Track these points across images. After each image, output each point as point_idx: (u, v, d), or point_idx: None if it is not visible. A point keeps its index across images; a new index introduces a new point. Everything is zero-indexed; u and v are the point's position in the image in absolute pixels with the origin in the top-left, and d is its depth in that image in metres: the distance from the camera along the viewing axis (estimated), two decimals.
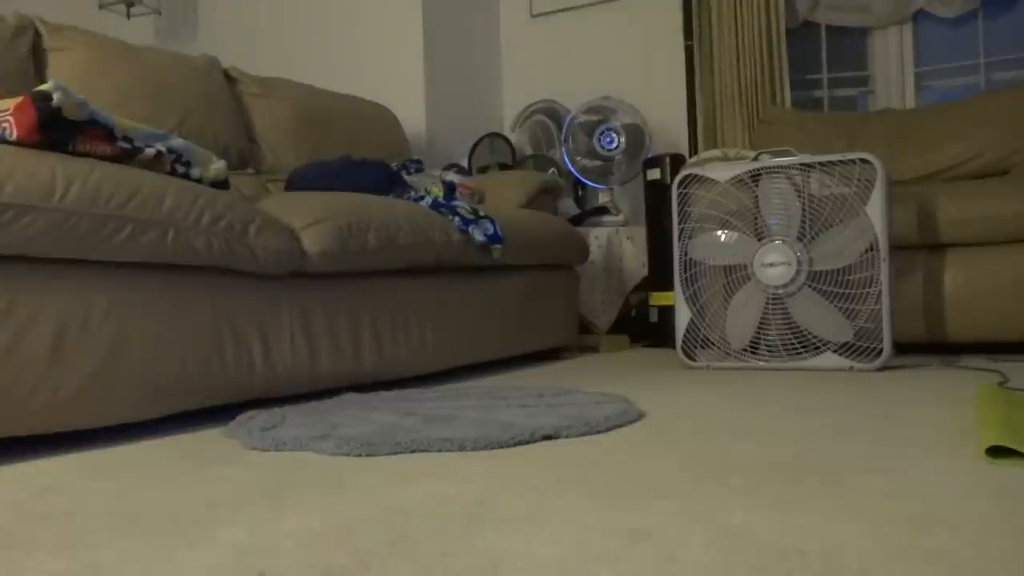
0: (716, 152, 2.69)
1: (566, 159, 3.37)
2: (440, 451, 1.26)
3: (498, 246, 2.28)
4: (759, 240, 2.28)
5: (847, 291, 2.18)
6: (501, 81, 4.10)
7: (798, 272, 2.21)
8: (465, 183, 2.72)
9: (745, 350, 2.30)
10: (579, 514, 0.90)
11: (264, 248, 1.65)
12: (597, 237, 3.18)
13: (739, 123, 3.42)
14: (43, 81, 2.07)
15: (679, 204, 2.39)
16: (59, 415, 1.33)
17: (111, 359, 1.39)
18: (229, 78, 2.69)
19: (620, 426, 1.42)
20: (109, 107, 2.08)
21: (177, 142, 1.62)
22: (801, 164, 2.25)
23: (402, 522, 0.89)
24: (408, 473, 1.12)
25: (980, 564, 0.71)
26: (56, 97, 1.35)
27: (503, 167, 3.47)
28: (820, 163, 2.23)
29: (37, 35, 2.15)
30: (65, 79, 2.09)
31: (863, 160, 2.18)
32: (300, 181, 2.34)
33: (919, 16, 3.45)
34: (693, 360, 2.36)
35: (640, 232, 3.21)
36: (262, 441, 1.33)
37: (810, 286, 2.21)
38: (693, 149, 3.52)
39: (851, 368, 2.16)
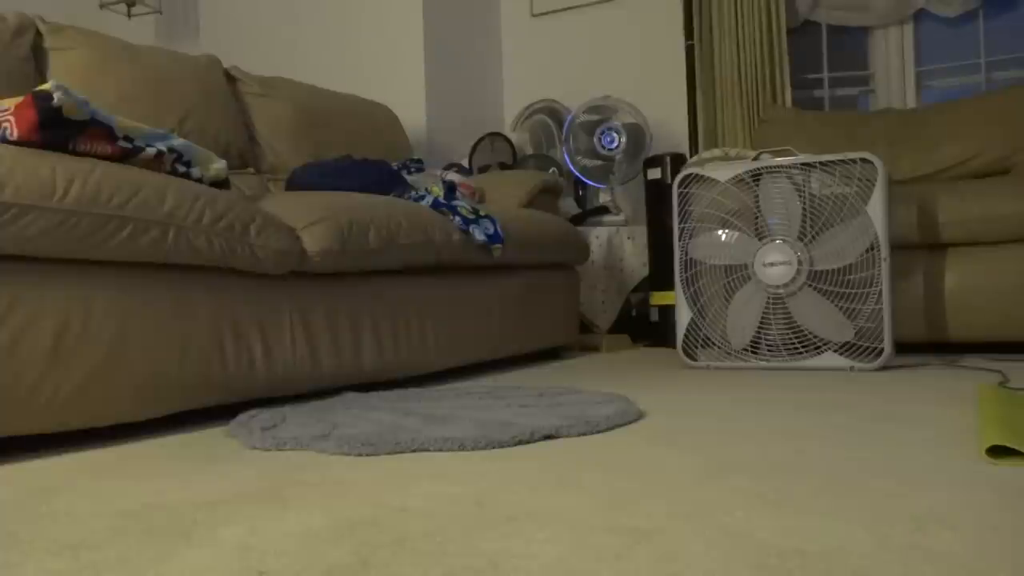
0: (717, 151, 2.69)
1: (567, 159, 3.37)
2: (440, 451, 1.26)
3: (498, 246, 2.28)
4: (760, 240, 2.28)
5: (848, 291, 2.18)
6: (501, 81, 4.10)
7: (799, 272, 2.21)
8: (465, 183, 2.72)
9: (746, 350, 2.30)
10: (579, 514, 0.90)
11: (265, 248, 1.65)
12: (598, 236, 3.18)
13: (740, 122, 3.42)
14: (43, 81, 2.07)
15: (680, 204, 2.39)
16: (59, 415, 1.33)
17: (111, 359, 1.39)
18: (229, 78, 2.69)
19: (620, 426, 1.42)
20: (109, 107, 2.08)
21: (178, 142, 1.62)
22: (802, 164, 2.25)
23: (402, 522, 0.89)
24: (408, 473, 1.12)
25: (980, 564, 0.71)
26: (57, 97, 1.35)
27: (504, 167, 3.47)
28: (821, 162, 2.23)
29: (37, 35, 2.15)
30: (65, 79, 2.10)
31: (864, 159, 2.18)
32: (300, 181, 2.34)
33: (919, 15, 3.45)
34: (694, 360, 2.36)
35: (641, 231, 3.21)
36: (263, 440, 1.33)
37: (811, 286, 2.21)
38: (694, 148, 3.52)
39: (851, 368, 2.16)
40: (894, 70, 3.49)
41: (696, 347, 2.37)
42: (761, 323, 2.27)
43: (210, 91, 2.50)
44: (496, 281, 2.42)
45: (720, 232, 2.33)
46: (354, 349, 1.90)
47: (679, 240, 2.39)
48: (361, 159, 2.45)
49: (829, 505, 0.90)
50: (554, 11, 3.97)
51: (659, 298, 3.03)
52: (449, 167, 3.31)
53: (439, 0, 3.63)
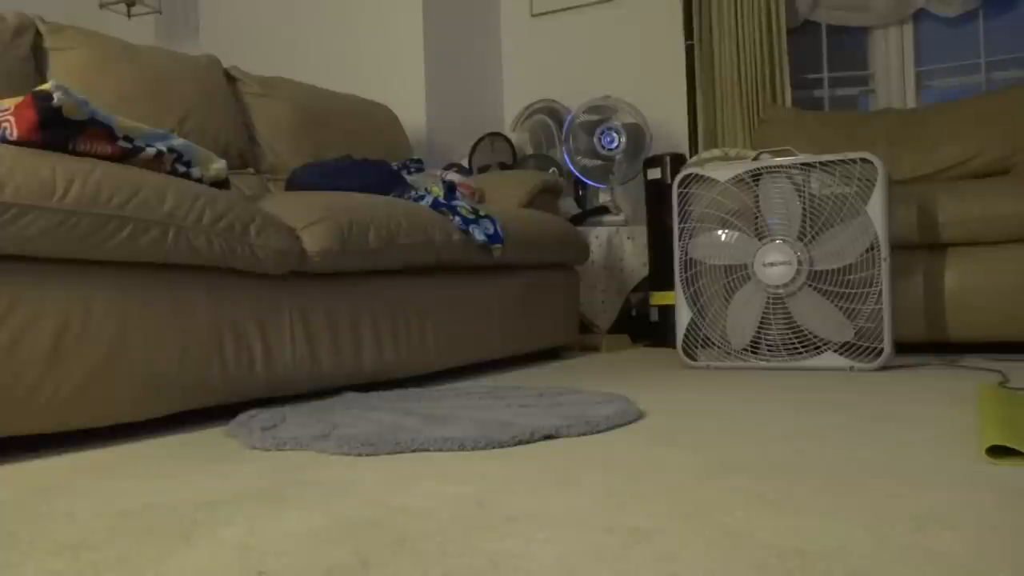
0: (716, 152, 2.69)
1: (567, 159, 3.37)
2: (440, 451, 1.26)
3: (498, 245, 2.28)
4: (760, 240, 2.28)
5: (847, 291, 2.18)
6: (501, 81, 4.10)
7: (798, 272, 2.21)
8: (465, 183, 2.72)
9: (745, 350, 2.30)
10: (579, 514, 0.90)
11: (264, 248, 1.65)
12: (598, 236, 3.18)
13: (739, 122, 3.42)
14: (43, 81, 2.07)
15: (680, 203, 2.39)
16: (59, 415, 1.33)
17: (111, 359, 1.39)
18: (229, 78, 2.69)
19: (620, 426, 1.42)
20: (109, 107, 2.08)
21: (178, 142, 1.62)
22: (802, 164, 2.25)
23: (402, 522, 0.89)
24: (408, 473, 1.12)
25: (980, 564, 0.71)
26: (56, 97, 1.35)
27: (504, 167, 3.47)
28: (820, 162, 2.23)
29: (37, 35, 2.15)
30: (65, 79, 2.10)
31: (864, 159, 2.18)
32: (300, 181, 2.34)
33: (919, 15, 3.45)
34: (694, 360, 2.36)
35: (641, 231, 3.21)
36: (263, 440, 1.33)
37: (810, 286, 2.21)
38: (693, 148, 3.52)
39: (851, 368, 2.16)
40: (894, 70, 3.49)
41: (696, 347, 2.37)
42: (761, 323, 2.27)
43: (210, 91, 2.50)
44: (496, 281, 2.42)
45: (720, 232, 2.33)
46: (354, 349, 1.90)
47: (679, 240, 2.39)
48: (361, 159, 2.45)
49: (829, 505, 0.90)
50: (554, 11, 3.97)
51: (659, 298, 3.03)
52: (449, 167, 3.31)
53: (439, 0, 3.63)
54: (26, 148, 1.32)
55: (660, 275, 3.02)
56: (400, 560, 0.76)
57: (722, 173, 2.33)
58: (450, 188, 2.38)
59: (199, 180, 1.64)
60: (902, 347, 2.54)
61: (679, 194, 2.39)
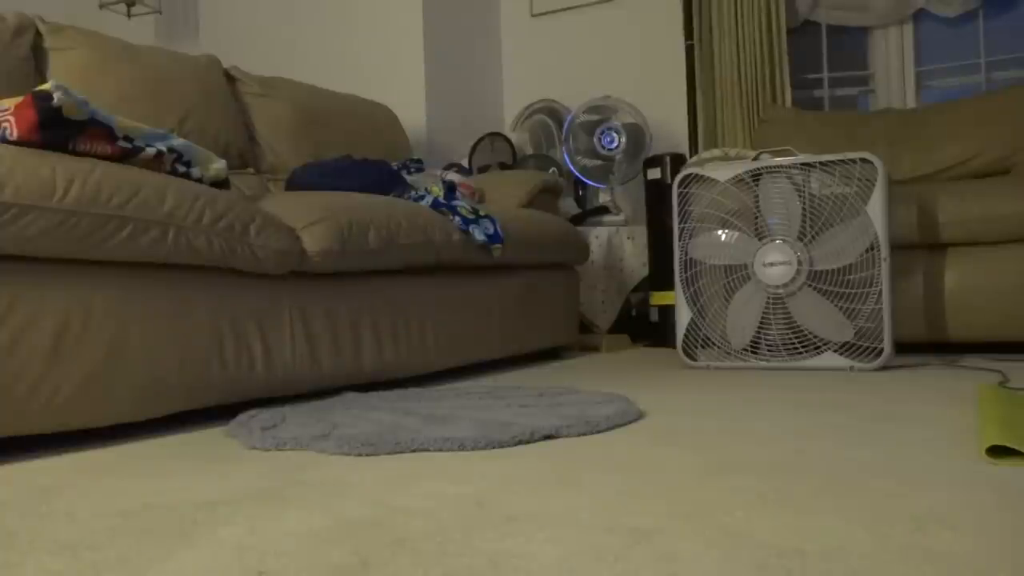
0: (716, 152, 2.69)
1: (567, 159, 3.37)
2: (440, 451, 1.26)
3: (498, 245, 2.28)
4: (760, 240, 2.28)
5: (847, 291, 2.18)
6: (501, 81, 4.10)
7: (798, 272, 2.21)
8: (465, 183, 2.72)
9: (745, 350, 2.30)
10: (579, 514, 0.90)
11: (264, 248, 1.65)
12: (598, 236, 3.18)
13: (739, 122, 3.42)
14: (43, 81, 2.07)
15: (680, 204, 2.39)
16: (59, 415, 1.33)
17: (111, 359, 1.39)
18: (229, 78, 2.69)
19: (620, 425, 1.42)
20: (109, 107, 2.08)
21: (178, 142, 1.62)
22: (802, 164, 2.25)
23: (402, 522, 0.89)
24: (408, 473, 1.12)
25: (980, 564, 0.71)
26: (56, 97, 1.35)
27: (504, 167, 3.47)
28: (820, 163, 2.23)
29: (37, 35, 2.15)
30: (65, 79, 2.10)
31: (864, 159, 2.18)
32: (300, 181, 2.34)
33: (919, 15, 3.45)
34: (694, 360, 2.36)
35: (641, 231, 3.21)
36: (263, 441, 1.33)
37: (810, 286, 2.21)
38: (693, 149, 3.52)
39: (851, 368, 2.16)
40: (894, 70, 3.49)
41: (696, 347, 2.37)
42: (761, 323, 2.27)
43: (210, 91, 2.50)
44: (496, 281, 2.42)
45: (720, 232, 2.33)
46: (354, 349, 1.90)
47: (679, 240, 2.39)
48: (361, 159, 2.45)
49: (829, 505, 0.90)
50: (554, 11, 3.97)
51: (659, 298, 3.03)
52: (449, 167, 3.31)
53: (439, 0, 3.63)
54: (26, 148, 1.32)
55: (660, 275, 3.02)
56: (400, 560, 0.76)
57: (722, 173, 2.33)
58: (450, 188, 2.38)
59: (199, 180, 1.64)
60: (902, 347, 2.54)
61: (679, 194, 2.40)
